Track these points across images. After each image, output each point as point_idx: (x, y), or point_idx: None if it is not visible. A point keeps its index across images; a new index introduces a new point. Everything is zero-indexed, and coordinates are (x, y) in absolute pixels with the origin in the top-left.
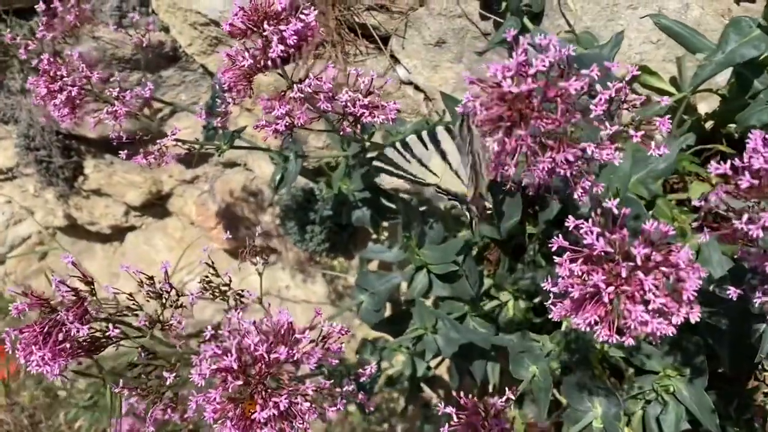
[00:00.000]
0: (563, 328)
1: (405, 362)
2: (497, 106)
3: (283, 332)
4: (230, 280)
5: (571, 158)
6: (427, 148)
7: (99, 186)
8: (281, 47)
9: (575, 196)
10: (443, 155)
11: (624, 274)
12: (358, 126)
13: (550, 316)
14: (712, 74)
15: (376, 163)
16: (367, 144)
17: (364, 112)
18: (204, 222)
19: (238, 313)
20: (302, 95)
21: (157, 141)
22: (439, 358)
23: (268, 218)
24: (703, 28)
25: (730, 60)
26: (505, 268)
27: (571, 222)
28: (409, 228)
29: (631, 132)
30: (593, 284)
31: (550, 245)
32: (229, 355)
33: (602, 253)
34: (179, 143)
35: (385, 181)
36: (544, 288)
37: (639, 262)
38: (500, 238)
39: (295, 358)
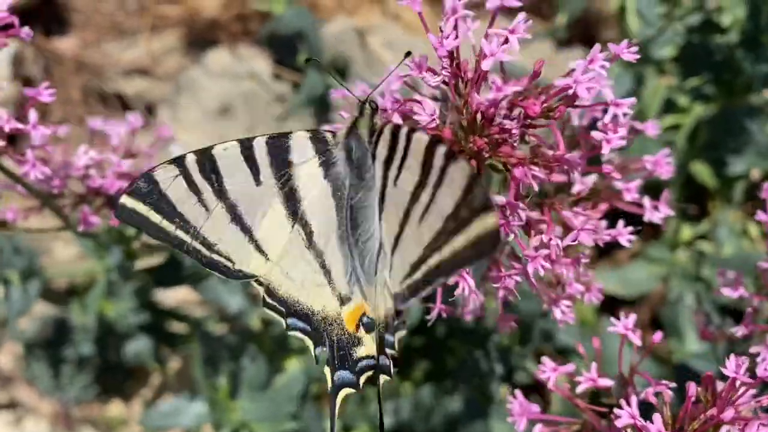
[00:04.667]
0: None
1: None
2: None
3: None
4: None
5: (589, 242)
6: (258, 180)
7: None
8: None
9: (557, 315)
10: (291, 201)
11: None
12: (112, 214)
13: None
14: None
15: (126, 200)
16: (135, 246)
17: (122, 187)
18: None
19: None
20: None
21: None
22: None
23: (6, 359)
24: None
25: None
26: (355, 401)
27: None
28: (214, 366)
29: (619, 185)
30: None
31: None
32: None
33: None
34: None
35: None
36: None
37: None
38: None
39: None
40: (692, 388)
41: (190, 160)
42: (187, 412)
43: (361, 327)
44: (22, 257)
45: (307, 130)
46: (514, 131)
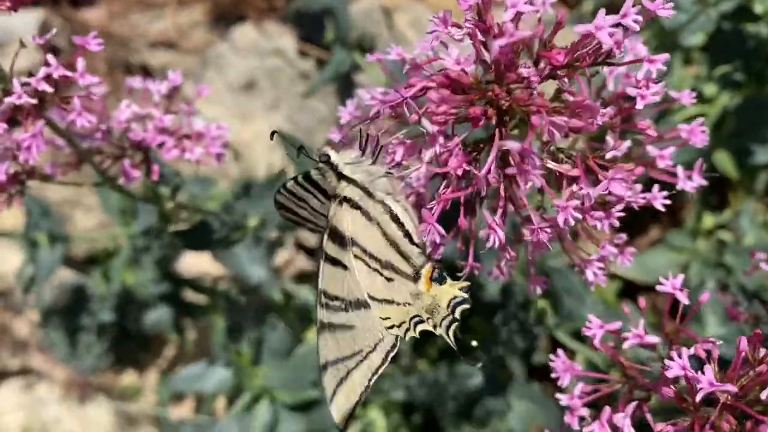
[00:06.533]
0: None
1: None
2: (445, 96)
3: None
4: None
5: (621, 191)
6: (321, 201)
7: None
8: None
9: (589, 277)
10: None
11: None
12: (152, 169)
13: None
14: None
15: (278, 211)
16: (169, 206)
17: (164, 142)
18: None
19: None
20: (33, 102)
21: None
22: None
23: (23, 326)
24: None
25: None
26: None
27: None
28: (237, 334)
29: (655, 152)
30: None
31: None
32: None
33: None
34: None
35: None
36: None
37: None
38: None
39: None
40: (743, 342)
41: (287, 187)
42: (210, 377)
43: (434, 283)
44: (49, 220)
45: (314, 169)
46: (532, 78)
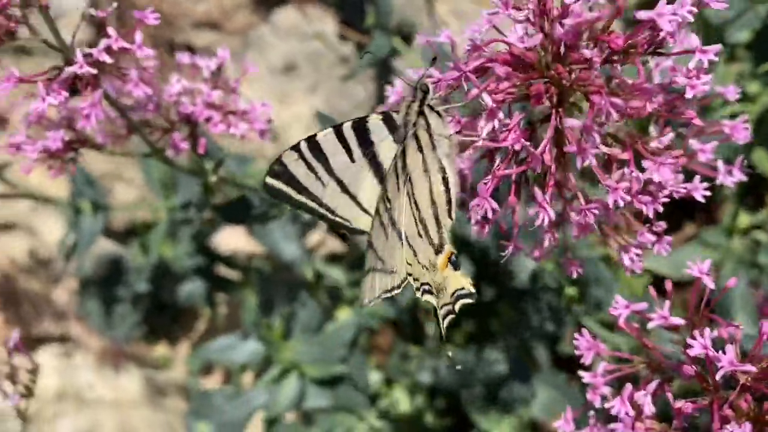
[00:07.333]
0: None
1: None
2: (509, 72)
3: None
4: None
5: (669, 176)
6: (352, 158)
7: None
8: None
9: (626, 262)
10: (379, 172)
11: None
12: (198, 143)
13: None
14: None
15: (270, 180)
16: (212, 179)
17: (211, 116)
18: None
19: None
20: (94, 72)
21: None
22: None
23: (62, 294)
24: None
25: None
26: (399, 355)
27: None
28: (268, 309)
29: (696, 145)
30: None
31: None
32: None
33: None
34: None
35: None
36: None
37: None
38: (398, 317)
39: None
40: (766, 325)
41: (303, 146)
42: (241, 349)
43: (450, 265)
44: (93, 189)
45: (379, 113)
46: (594, 59)
